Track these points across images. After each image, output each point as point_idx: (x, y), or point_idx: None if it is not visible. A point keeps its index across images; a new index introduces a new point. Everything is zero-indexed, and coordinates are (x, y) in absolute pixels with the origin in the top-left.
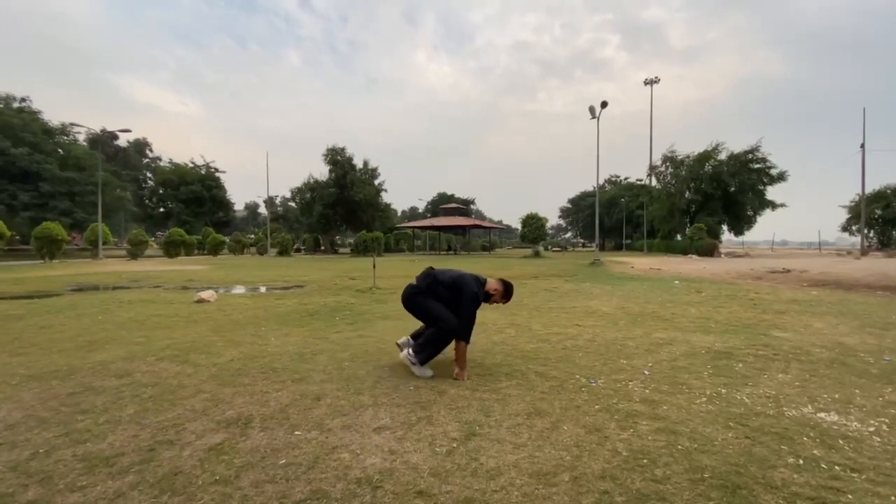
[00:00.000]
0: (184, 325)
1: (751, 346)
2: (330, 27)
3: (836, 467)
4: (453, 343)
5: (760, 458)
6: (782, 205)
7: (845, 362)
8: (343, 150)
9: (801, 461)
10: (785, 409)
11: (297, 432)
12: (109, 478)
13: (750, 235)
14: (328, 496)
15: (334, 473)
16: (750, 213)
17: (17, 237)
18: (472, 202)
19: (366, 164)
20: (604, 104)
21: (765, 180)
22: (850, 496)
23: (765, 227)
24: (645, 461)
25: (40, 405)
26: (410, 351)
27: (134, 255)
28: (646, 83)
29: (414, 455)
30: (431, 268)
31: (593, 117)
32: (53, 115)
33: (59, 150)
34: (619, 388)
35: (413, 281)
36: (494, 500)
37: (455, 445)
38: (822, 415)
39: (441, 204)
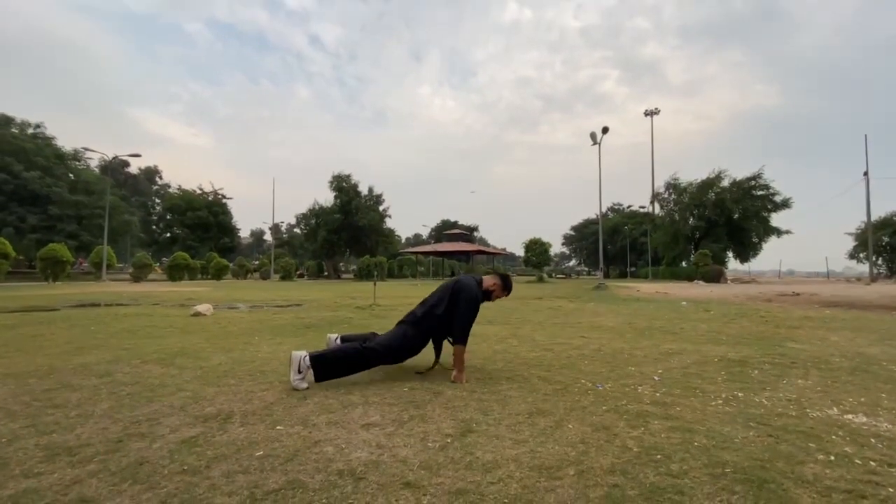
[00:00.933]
0: (176, 335)
1: (766, 355)
2: (339, 64)
3: (872, 463)
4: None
5: (787, 454)
6: (787, 232)
7: (868, 370)
8: (349, 177)
9: (832, 457)
10: (808, 410)
11: (278, 427)
12: (69, 466)
13: (756, 264)
14: (305, 487)
15: (314, 465)
16: (755, 240)
17: (27, 262)
18: (476, 229)
19: (371, 190)
20: (605, 129)
21: (769, 207)
22: (890, 489)
23: (771, 256)
24: (659, 457)
25: (12, 399)
26: (308, 357)
27: (137, 277)
28: (646, 114)
29: (403, 450)
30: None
31: (595, 143)
32: (72, 144)
33: (70, 175)
34: (627, 392)
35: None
36: (490, 492)
37: (449, 441)
38: (849, 416)
39: (445, 230)
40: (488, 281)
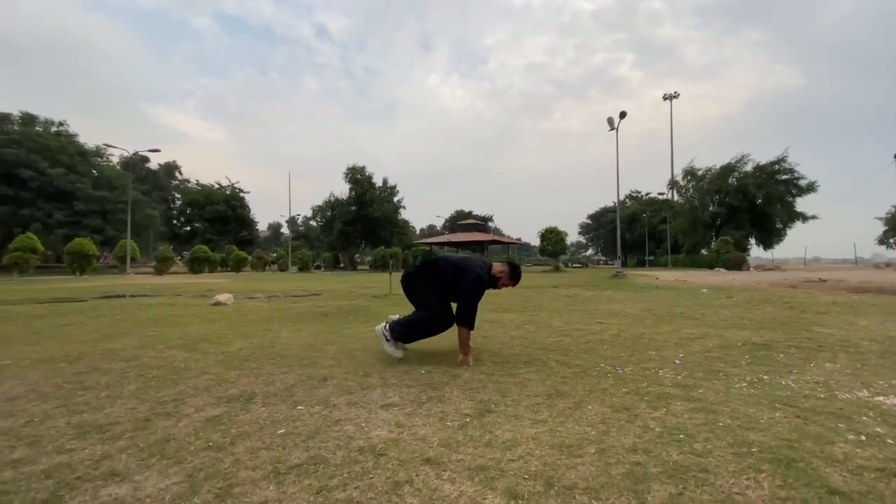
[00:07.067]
0: (199, 323)
1: (792, 339)
2: (347, 54)
3: None
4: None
5: (815, 434)
6: (813, 217)
7: None
8: (363, 168)
9: (862, 437)
10: (837, 393)
11: (299, 407)
12: (99, 442)
13: (779, 251)
14: (327, 462)
15: (335, 443)
16: (779, 225)
17: (54, 257)
18: (491, 219)
19: (385, 181)
20: (622, 114)
21: (793, 192)
22: None
23: (795, 243)
24: (682, 436)
25: (44, 382)
26: (387, 325)
27: (160, 270)
28: (665, 98)
29: (423, 428)
30: (436, 253)
31: (612, 128)
32: (92, 141)
33: (94, 171)
34: (648, 375)
35: (414, 265)
36: (511, 469)
37: (468, 420)
38: (880, 398)
39: (459, 220)
40: (497, 267)
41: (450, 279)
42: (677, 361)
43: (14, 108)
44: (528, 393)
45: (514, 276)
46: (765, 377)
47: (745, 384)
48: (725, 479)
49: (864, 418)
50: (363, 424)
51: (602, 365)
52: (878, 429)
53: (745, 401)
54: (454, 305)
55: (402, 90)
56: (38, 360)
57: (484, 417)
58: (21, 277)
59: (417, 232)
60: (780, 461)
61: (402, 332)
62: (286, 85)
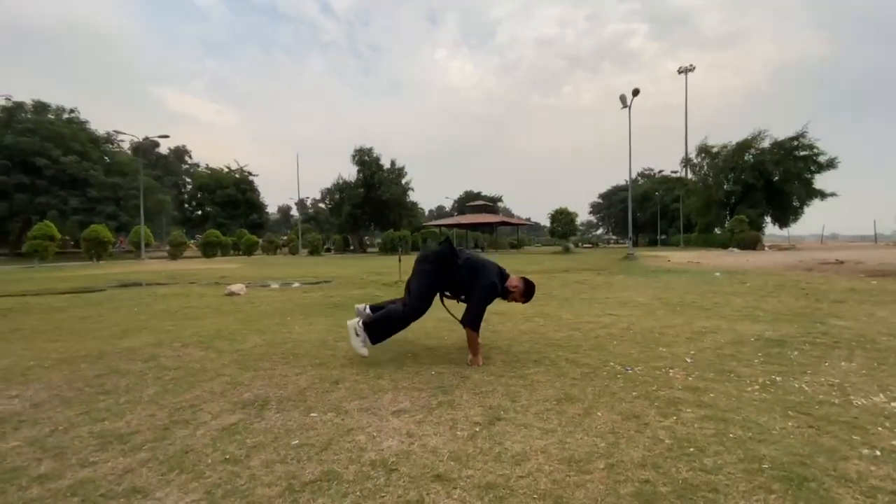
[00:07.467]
0: (212, 316)
1: (807, 334)
2: (353, 32)
3: None
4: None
5: (829, 448)
6: (832, 194)
7: None
8: (370, 150)
9: (878, 452)
10: (852, 397)
11: (312, 414)
12: (121, 454)
13: (796, 229)
14: (340, 478)
15: (348, 455)
16: (796, 203)
17: (71, 242)
18: (500, 199)
19: (393, 163)
20: (635, 92)
21: (812, 168)
22: None
23: (812, 220)
24: (692, 450)
25: (67, 386)
26: (361, 322)
27: (174, 255)
28: (680, 72)
29: (433, 438)
30: (462, 249)
31: (624, 106)
32: (99, 126)
33: (105, 158)
34: (658, 376)
35: (435, 248)
36: (520, 487)
37: (478, 430)
38: None
39: (468, 202)
40: (513, 280)
41: (464, 278)
42: (688, 360)
43: (22, 93)
44: (537, 397)
45: (526, 294)
46: (778, 379)
47: (757, 387)
48: (735, 500)
49: (880, 429)
50: (375, 434)
51: (612, 364)
52: (894, 442)
53: (756, 407)
54: (454, 303)
55: (409, 67)
56: (60, 360)
57: (493, 426)
58: (41, 264)
59: (426, 213)
60: (792, 480)
61: (376, 333)
62: (292, 64)
